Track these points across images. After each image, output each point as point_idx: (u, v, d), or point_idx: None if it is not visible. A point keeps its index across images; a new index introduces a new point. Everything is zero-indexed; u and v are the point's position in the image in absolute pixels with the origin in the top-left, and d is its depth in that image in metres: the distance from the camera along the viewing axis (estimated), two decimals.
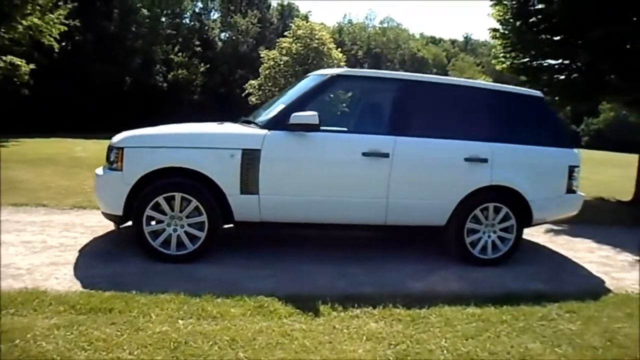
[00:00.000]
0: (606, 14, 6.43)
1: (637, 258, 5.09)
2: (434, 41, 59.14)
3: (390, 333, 2.90)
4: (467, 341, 2.86)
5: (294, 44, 27.11)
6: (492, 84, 5.12)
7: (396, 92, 4.36)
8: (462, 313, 3.24)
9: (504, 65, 8.81)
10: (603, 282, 4.31)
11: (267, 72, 26.95)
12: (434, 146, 4.31)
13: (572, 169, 4.66)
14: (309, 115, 3.90)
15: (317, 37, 26.70)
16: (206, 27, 35.40)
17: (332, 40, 28.06)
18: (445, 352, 2.73)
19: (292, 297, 3.32)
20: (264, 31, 37.61)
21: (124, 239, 4.48)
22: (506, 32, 8.35)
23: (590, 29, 6.59)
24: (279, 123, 4.02)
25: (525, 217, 4.51)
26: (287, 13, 41.97)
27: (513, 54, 8.43)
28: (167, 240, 3.97)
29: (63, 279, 3.53)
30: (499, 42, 8.66)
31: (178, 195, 3.91)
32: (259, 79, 27.38)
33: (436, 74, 47.72)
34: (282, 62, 26.89)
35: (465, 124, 4.47)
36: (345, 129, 4.64)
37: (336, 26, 50.35)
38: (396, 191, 4.15)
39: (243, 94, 28.02)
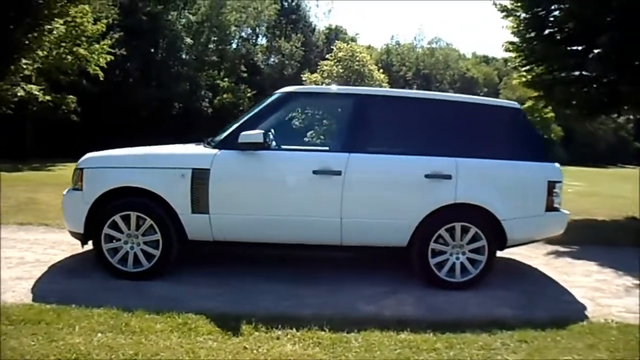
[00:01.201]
0: (613, 22, 6.05)
1: (637, 282, 4.63)
2: (486, 60, 57.76)
3: (301, 356, 2.80)
4: None
5: (334, 67, 27.39)
6: (462, 95, 4.90)
7: (350, 108, 4.27)
8: (391, 339, 3.07)
9: (522, 80, 8.47)
10: (584, 309, 3.95)
11: None
12: (390, 163, 4.16)
13: (552, 185, 4.30)
14: (255, 134, 3.91)
15: (357, 59, 26.83)
16: (252, 52, 36.50)
17: (373, 61, 28.11)
18: None
19: (223, 315, 3.30)
20: (309, 54, 38.24)
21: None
22: (519, 44, 8.04)
23: (598, 37, 6.22)
24: (229, 142, 4.05)
25: (499, 238, 4.23)
26: (334, 36, 42.53)
27: (527, 67, 8.09)
28: (125, 258, 4.07)
29: (19, 293, 3.68)
30: (514, 56, 8.36)
31: (133, 214, 4.01)
32: None
33: (487, 93, 46.66)
34: (322, 85, 27.19)
35: (427, 138, 4.28)
36: (297, 146, 4.59)
37: (384, 48, 50.49)
38: (350, 210, 4.04)
39: (286, 118, 28.52)
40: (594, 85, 7.25)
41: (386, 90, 4.72)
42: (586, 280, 4.72)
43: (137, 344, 2.84)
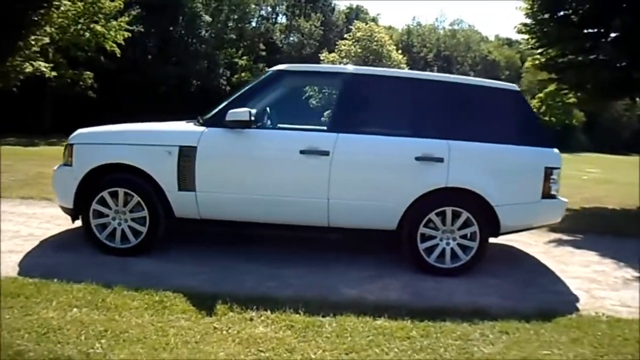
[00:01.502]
0: (628, 6, 5.75)
1: (637, 274, 4.48)
2: (509, 43, 56.24)
3: (271, 338, 2.77)
4: (348, 355, 2.66)
5: (352, 47, 27.06)
6: (458, 76, 4.73)
7: (340, 87, 4.16)
8: (366, 324, 3.01)
9: (535, 62, 8.20)
10: (576, 300, 3.84)
11: None
12: (380, 144, 4.06)
13: (549, 171, 4.14)
14: (242, 112, 3.85)
15: (375, 39, 26.42)
16: (271, 31, 36.26)
17: (392, 42, 27.64)
18: None
19: (200, 294, 3.29)
20: (329, 34, 37.84)
21: None
22: (532, 26, 7.75)
23: (612, 21, 5.93)
24: (216, 120, 4.00)
25: (492, 224, 4.11)
26: (354, 16, 41.91)
27: (541, 50, 7.81)
28: (113, 234, 4.08)
29: (6, 266, 3.71)
30: (527, 38, 8.07)
31: (121, 191, 4.01)
32: None
33: (508, 76, 45.51)
34: (340, 64, 26.94)
35: (419, 120, 4.17)
36: (286, 125, 4.49)
37: (405, 29, 49.57)
38: (337, 191, 3.96)
39: (303, 97, 28.43)
40: (607, 70, 6.94)
41: (379, 69, 4.57)
42: (584, 271, 4.59)
43: (109, 320, 2.85)
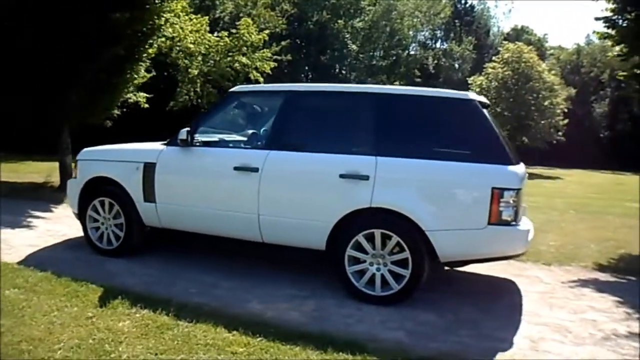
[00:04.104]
0: None
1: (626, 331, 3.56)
2: None
3: (120, 328, 3.12)
4: (154, 355, 2.85)
5: (500, 69, 25.57)
6: (399, 87, 4.33)
7: (279, 105, 4.27)
8: (208, 335, 3.11)
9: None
10: (502, 350, 3.22)
11: None
12: (305, 160, 4.04)
13: (498, 192, 3.58)
14: (183, 131, 4.27)
15: (523, 59, 24.50)
16: (424, 57, 35.93)
17: (540, 62, 25.31)
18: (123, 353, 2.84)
19: (114, 289, 3.79)
20: (485, 57, 36.07)
21: None
22: (618, 29, 6.55)
23: None
24: (173, 140, 4.48)
25: (430, 251, 3.74)
26: (514, 37, 39.13)
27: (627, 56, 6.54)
28: (102, 237, 4.83)
29: (17, 256, 4.65)
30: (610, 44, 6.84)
31: (106, 200, 4.75)
32: None
33: None
34: (488, 88, 25.58)
35: (350, 135, 4.03)
36: (226, 143, 4.64)
37: (575, 48, 44.49)
38: (267, 207, 4.07)
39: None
40: None
41: (317, 85, 4.50)
42: (562, 318, 3.80)
43: (27, 300, 3.49)
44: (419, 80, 33.58)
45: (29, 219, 6.25)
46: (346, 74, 29.95)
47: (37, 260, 4.52)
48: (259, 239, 4.21)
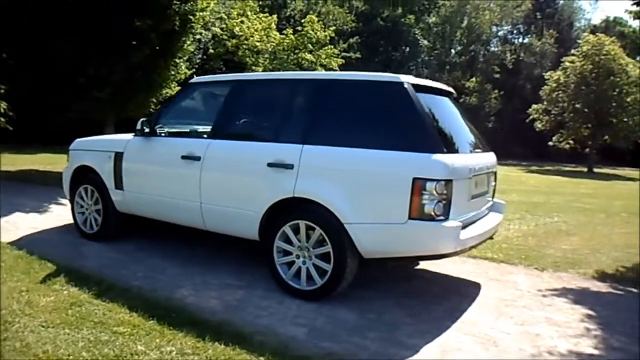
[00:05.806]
0: None
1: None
2: None
3: (43, 306, 3.38)
4: (50, 327, 3.06)
5: (578, 62, 23.51)
6: (328, 73, 4.10)
7: (224, 95, 4.36)
8: (110, 316, 3.27)
9: None
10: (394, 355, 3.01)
11: (550, 94, 24.11)
12: (238, 149, 4.08)
13: (420, 184, 3.28)
14: (139, 122, 4.46)
15: (603, 52, 22.22)
16: (502, 52, 33.86)
17: (623, 55, 22.80)
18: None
19: (73, 271, 4.10)
20: (567, 50, 33.24)
21: None
22: None
23: None
24: (138, 130, 4.69)
25: (353, 246, 3.56)
26: (603, 30, 35.52)
27: None
28: (86, 221, 5.21)
29: (14, 235, 5.18)
30: None
31: (89, 187, 5.13)
32: (544, 103, 24.75)
33: None
34: (566, 83, 23.62)
35: (279, 123, 3.99)
36: (178, 133, 4.73)
37: None
38: (206, 196, 4.18)
39: (527, 120, 25.88)
40: None
41: (258, 74, 4.47)
42: (502, 329, 3.44)
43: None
44: (497, 76, 31.80)
45: (50, 205, 6.91)
46: (420, 69, 29.16)
47: (27, 241, 5.01)
48: (202, 227, 4.30)
